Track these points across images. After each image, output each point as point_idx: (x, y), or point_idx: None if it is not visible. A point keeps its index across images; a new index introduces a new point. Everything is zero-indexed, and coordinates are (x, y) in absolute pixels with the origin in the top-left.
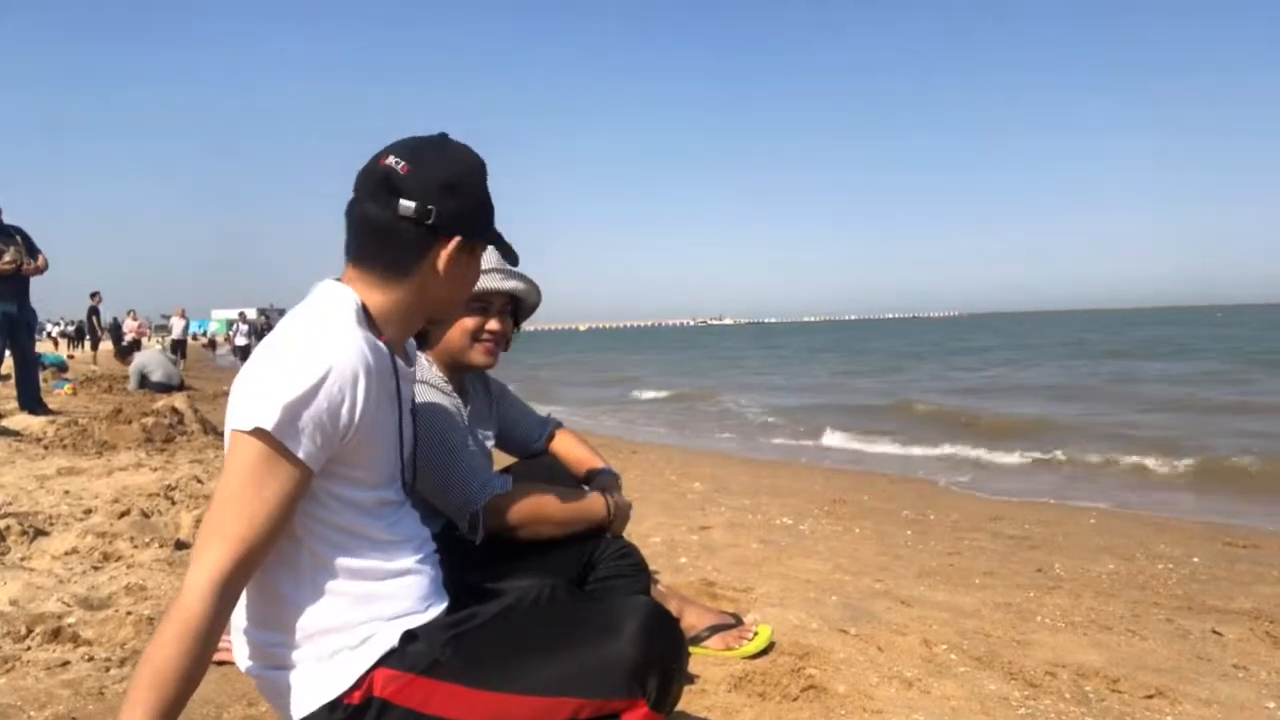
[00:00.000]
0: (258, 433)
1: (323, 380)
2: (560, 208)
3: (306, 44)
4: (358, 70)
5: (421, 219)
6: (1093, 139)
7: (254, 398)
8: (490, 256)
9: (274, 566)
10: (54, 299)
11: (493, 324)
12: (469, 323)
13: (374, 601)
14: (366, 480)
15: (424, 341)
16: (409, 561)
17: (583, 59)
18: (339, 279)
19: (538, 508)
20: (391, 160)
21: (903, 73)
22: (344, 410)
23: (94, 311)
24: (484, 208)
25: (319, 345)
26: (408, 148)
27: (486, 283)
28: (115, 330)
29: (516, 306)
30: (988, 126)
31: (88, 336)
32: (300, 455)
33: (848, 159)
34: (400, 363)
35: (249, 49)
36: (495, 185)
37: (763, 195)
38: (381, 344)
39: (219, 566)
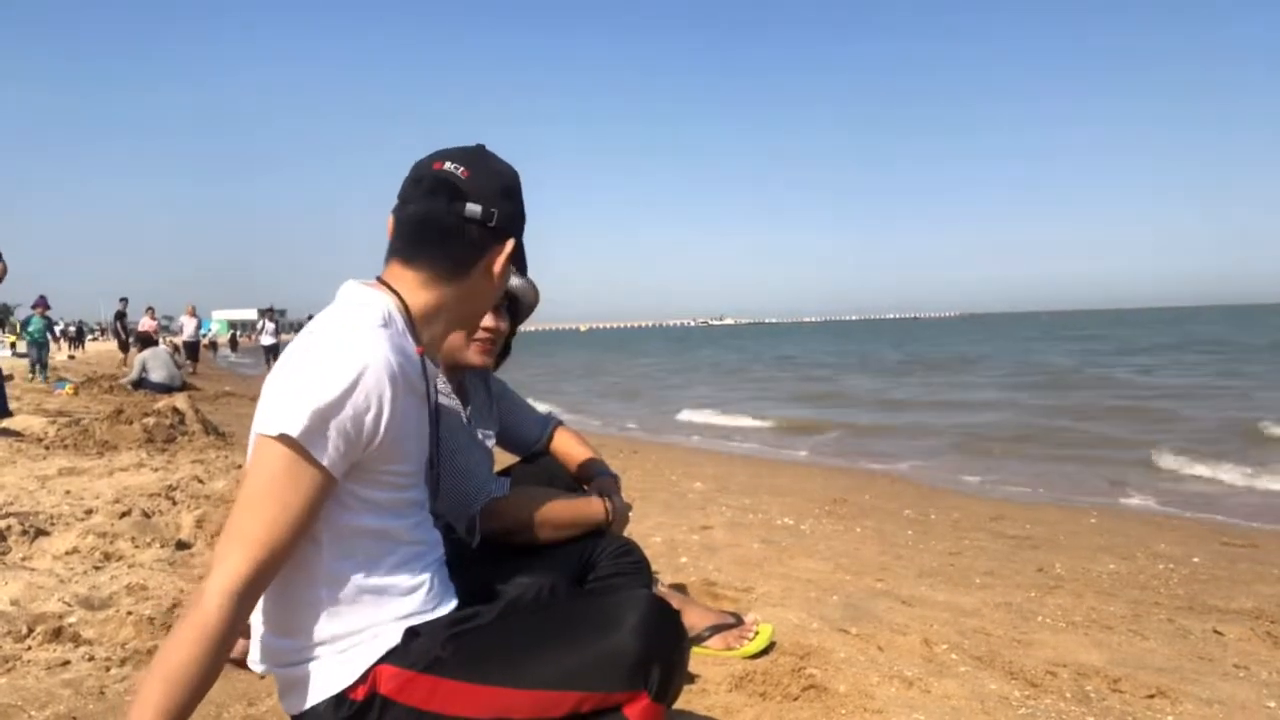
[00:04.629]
0: (283, 438)
1: (351, 388)
2: (561, 206)
3: (309, 43)
4: (357, 70)
5: (485, 220)
6: (1094, 137)
7: (282, 403)
8: None
9: (295, 572)
10: (54, 299)
11: (488, 321)
12: None
13: (388, 604)
14: (392, 483)
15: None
16: (425, 561)
17: (582, 54)
18: (379, 278)
19: (535, 511)
20: (449, 166)
21: (904, 71)
22: (368, 419)
23: (120, 315)
24: (523, 215)
25: (348, 352)
26: (460, 155)
27: None
28: (125, 332)
29: (515, 307)
30: (989, 125)
31: (99, 337)
32: (324, 462)
33: (849, 159)
34: (431, 366)
35: (248, 46)
36: None
37: (765, 194)
38: (414, 349)
39: (239, 572)
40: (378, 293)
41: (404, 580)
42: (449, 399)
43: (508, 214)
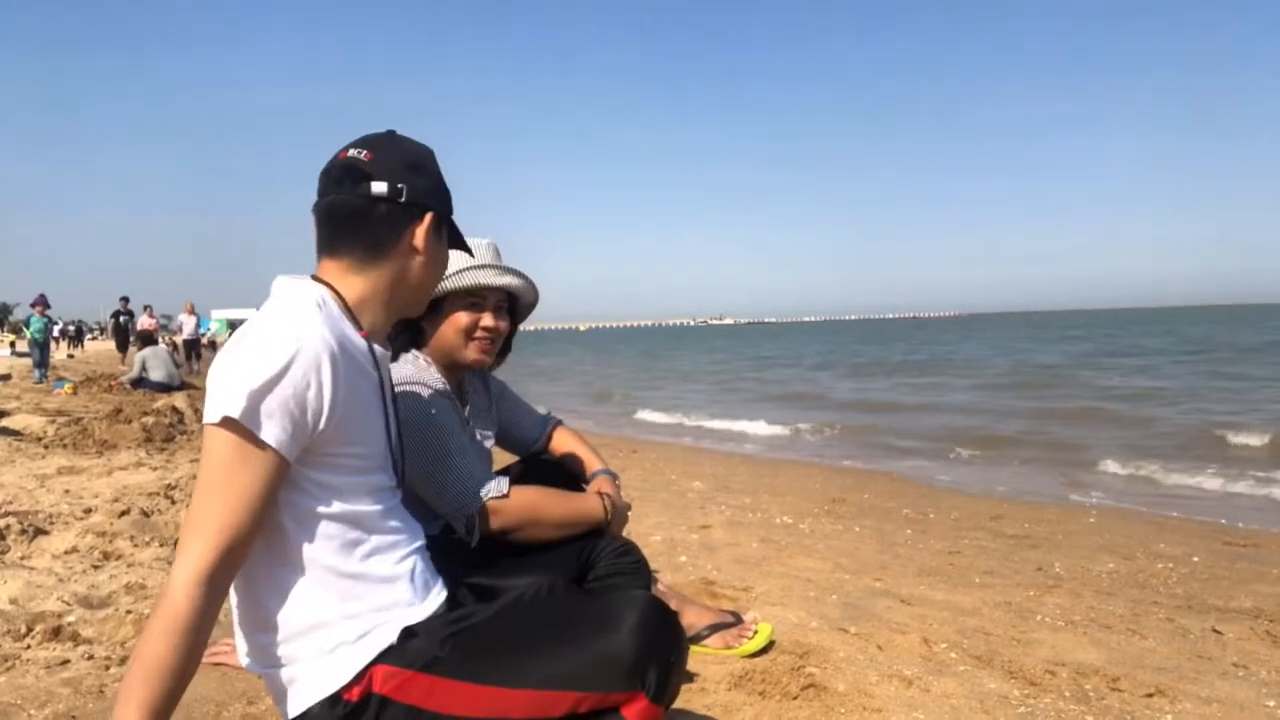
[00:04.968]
0: (226, 423)
1: (286, 367)
2: (562, 206)
3: (302, 47)
4: (354, 71)
5: (394, 197)
6: (1093, 138)
7: (220, 390)
8: (483, 253)
9: (266, 563)
10: (52, 299)
11: (487, 320)
12: (463, 319)
13: (368, 593)
14: (353, 466)
15: (419, 340)
16: (402, 551)
17: (581, 56)
18: (313, 275)
19: (534, 510)
20: (353, 152)
21: (904, 72)
22: (310, 395)
23: (118, 314)
24: (445, 188)
25: (280, 334)
26: (365, 140)
27: (480, 278)
28: (123, 331)
29: (513, 305)
30: (988, 126)
31: (98, 337)
32: (271, 442)
33: (849, 159)
34: (379, 350)
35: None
36: (500, 185)
37: (765, 195)
38: (354, 332)
39: (202, 561)
40: (310, 283)
41: (380, 569)
42: (448, 398)
43: (419, 188)
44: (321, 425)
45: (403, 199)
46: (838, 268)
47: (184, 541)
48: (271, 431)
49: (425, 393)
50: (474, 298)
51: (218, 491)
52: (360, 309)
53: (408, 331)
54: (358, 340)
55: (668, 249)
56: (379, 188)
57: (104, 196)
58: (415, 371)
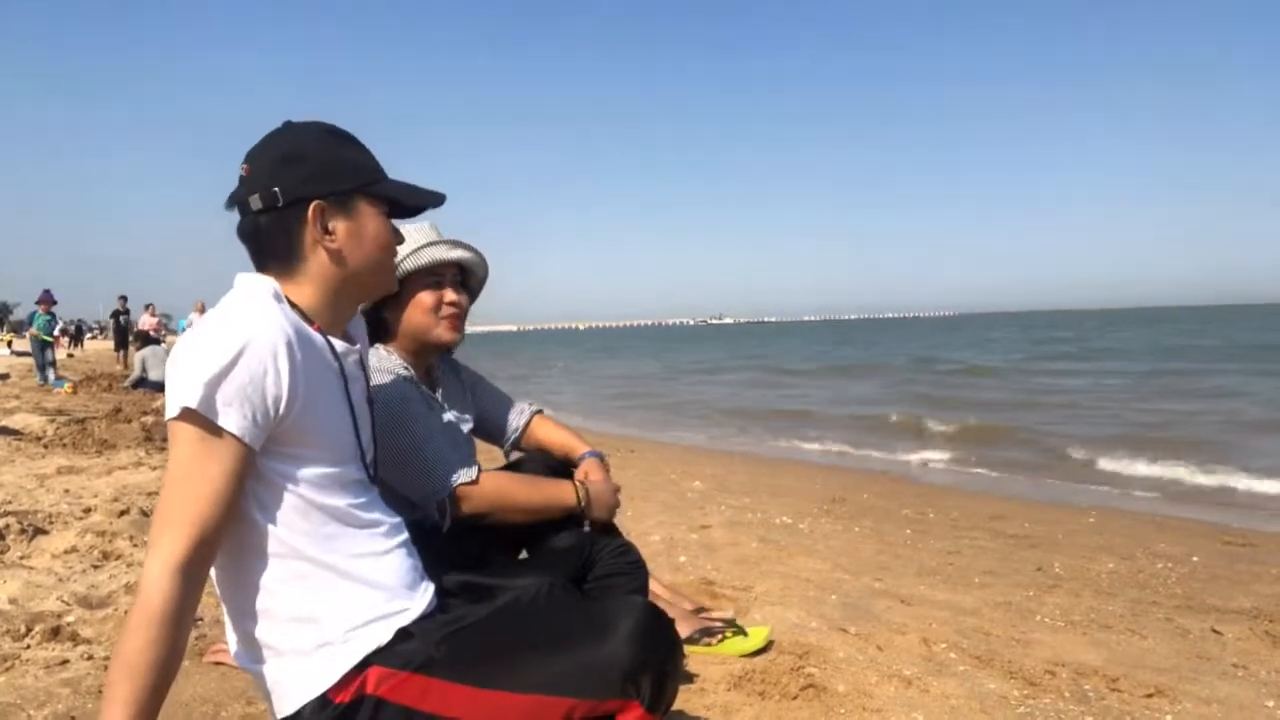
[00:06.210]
0: (186, 415)
1: (240, 354)
2: (562, 207)
3: (303, 49)
4: (357, 73)
5: (272, 204)
6: (1090, 139)
7: (177, 382)
8: (427, 232)
9: (245, 555)
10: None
11: (450, 295)
12: (426, 298)
13: (350, 588)
14: (318, 458)
15: (381, 331)
16: (383, 545)
17: (580, 59)
18: None
19: (503, 496)
20: (241, 170)
21: (902, 73)
22: (268, 381)
23: (117, 314)
24: (336, 164)
25: (234, 323)
26: (252, 149)
27: (435, 254)
28: (121, 330)
29: (466, 280)
30: (987, 126)
31: (98, 336)
32: (233, 430)
33: (849, 160)
34: (339, 343)
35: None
36: (499, 188)
37: (765, 195)
38: (309, 327)
39: (173, 552)
40: (269, 279)
41: (360, 564)
42: (416, 385)
43: (295, 179)
44: (283, 411)
45: (280, 203)
46: (837, 269)
47: (155, 534)
48: (232, 419)
49: (390, 380)
50: (433, 275)
51: (185, 484)
52: (311, 313)
53: (368, 325)
54: (313, 332)
55: (669, 250)
56: (255, 202)
57: (110, 192)
58: (378, 360)
